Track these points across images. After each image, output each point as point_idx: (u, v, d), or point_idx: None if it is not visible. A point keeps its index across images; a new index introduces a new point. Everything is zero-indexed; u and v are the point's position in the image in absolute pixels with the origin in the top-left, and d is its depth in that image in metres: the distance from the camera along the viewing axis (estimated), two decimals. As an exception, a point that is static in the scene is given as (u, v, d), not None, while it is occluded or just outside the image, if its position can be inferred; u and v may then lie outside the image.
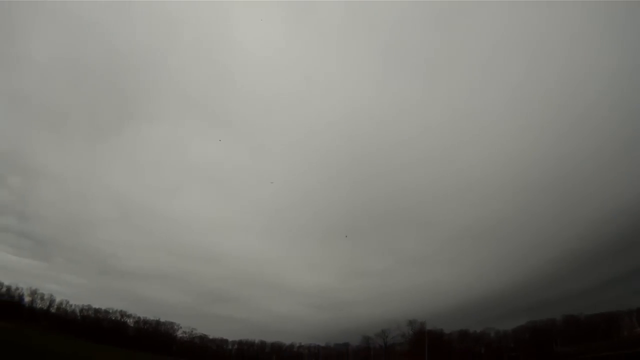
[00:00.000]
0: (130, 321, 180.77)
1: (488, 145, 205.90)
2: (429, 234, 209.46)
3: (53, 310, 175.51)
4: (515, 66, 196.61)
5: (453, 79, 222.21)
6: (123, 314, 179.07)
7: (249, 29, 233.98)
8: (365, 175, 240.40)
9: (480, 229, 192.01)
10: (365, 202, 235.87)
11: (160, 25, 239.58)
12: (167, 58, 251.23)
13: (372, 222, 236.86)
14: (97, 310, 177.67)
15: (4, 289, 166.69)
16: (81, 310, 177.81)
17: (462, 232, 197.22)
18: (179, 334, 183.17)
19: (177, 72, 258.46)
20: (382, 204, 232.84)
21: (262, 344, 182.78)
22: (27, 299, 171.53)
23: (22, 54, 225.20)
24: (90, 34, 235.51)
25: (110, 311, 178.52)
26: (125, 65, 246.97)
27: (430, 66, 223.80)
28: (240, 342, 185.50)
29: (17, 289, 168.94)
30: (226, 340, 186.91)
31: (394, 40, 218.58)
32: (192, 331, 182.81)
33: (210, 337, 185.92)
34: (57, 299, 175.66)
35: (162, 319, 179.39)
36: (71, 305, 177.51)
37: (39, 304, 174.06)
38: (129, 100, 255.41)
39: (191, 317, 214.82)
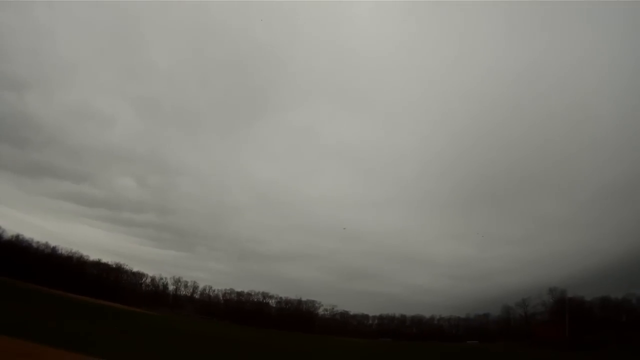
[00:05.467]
0: (272, 302, 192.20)
1: (621, 95, 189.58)
2: (567, 196, 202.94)
3: (197, 296, 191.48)
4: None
5: (576, 35, 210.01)
6: (265, 295, 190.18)
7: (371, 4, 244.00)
8: (500, 140, 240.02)
9: (619, 186, 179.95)
10: (502, 167, 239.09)
11: (277, 17, 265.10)
12: (289, 47, 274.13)
13: (510, 188, 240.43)
14: (239, 294, 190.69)
15: (148, 280, 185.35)
16: (224, 294, 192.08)
17: (600, 190, 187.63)
18: (321, 311, 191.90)
19: (301, 59, 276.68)
20: (519, 167, 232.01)
21: (403, 318, 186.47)
22: (171, 287, 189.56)
23: (149, 62, 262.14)
24: (212, 35, 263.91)
25: (253, 293, 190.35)
26: (250, 61, 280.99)
27: (554, 23, 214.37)
28: (380, 317, 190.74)
29: (161, 279, 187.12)
30: (367, 316, 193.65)
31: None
32: (333, 308, 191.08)
33: (351, 313, 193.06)
34: (200, 286, 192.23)
35: (304, 298, 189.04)
36: (214, 291, 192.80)
37: (182, 292, 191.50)
38: (258, 92, 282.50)
39: (332, 295, 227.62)
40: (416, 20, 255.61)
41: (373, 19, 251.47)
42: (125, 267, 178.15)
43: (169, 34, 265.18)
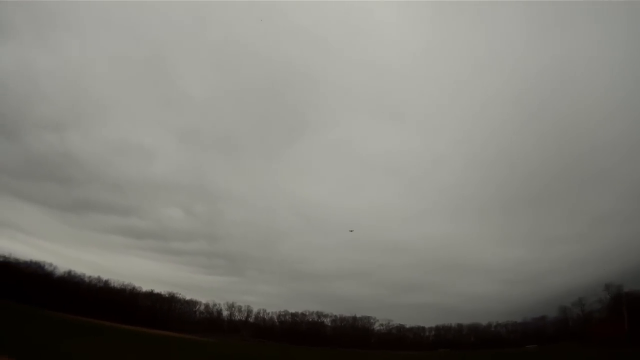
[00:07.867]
0: (327, 321, 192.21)
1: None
2: (615, 189, 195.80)
3: (251, 319, 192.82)
4: None
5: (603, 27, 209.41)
6: (320, 314, 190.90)
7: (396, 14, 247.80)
8: (536, 138, 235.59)
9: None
10: (546, 164, 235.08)
11: (309, 38, 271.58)
12: (323, 68, 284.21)
13: (557, 185, 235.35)
14: (294, 315, 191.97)
15: (202, 307, 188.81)
16: (279, 316, 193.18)
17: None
18: (376, 327, 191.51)
19: (332, 75, 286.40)
20: (560, 164, 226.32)
21: (459, 327, 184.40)
22: (225, 313, 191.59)
23: (185, 92, 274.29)
24: (245, 63, 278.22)
25: (307, 313, 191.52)
26: (286, 84, 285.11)
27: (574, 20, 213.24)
28: (437, 328, 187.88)
29: (214, 305, 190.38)
30: (423, 328, 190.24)
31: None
32: (388, 323, 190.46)
33: (407, 326, 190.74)
34: (255, 309, 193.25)
35: (358, 315, 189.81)
36: (268, 313, 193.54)
37: (237, 316, 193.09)
38: (296, 113, 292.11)
39: (386, 309, 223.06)
40: (440, 26, 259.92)
41: (398, 28, 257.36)
42: (178, 296, 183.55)
43: (201, 63, 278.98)
